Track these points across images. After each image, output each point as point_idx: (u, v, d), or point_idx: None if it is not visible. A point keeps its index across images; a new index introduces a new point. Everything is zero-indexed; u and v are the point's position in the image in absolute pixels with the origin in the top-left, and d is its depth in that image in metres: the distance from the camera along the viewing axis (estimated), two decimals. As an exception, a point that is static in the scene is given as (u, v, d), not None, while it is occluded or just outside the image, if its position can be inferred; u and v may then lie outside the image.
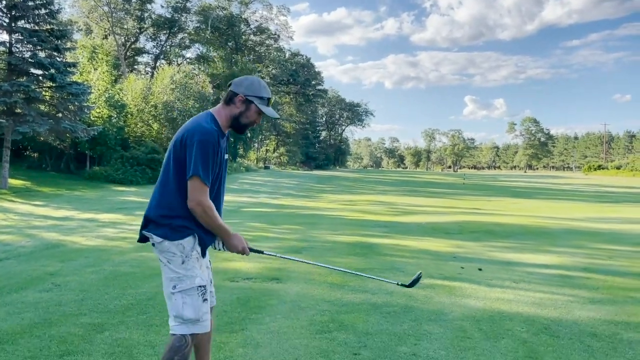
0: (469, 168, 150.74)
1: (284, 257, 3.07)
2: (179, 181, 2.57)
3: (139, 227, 2.69)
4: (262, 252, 2.87)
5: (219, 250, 2.78)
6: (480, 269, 6.83)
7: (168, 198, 2.59)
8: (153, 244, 2.63)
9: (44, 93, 24.37)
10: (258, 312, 4.65)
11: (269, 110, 2.71)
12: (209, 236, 2.67)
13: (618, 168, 74.94)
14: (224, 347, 3.72)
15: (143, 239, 2.70)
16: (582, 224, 13.07)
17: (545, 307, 4.95)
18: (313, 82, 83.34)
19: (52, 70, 23.29)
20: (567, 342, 3.95)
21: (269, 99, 2.72)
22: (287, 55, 75.77)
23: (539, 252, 8.47)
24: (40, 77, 23.84)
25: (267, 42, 65.41)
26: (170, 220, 2.57)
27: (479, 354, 3.64)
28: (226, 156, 2.74)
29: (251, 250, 2.75)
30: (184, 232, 2.57)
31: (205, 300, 2.61)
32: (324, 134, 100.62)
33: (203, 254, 2.70)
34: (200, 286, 2.60)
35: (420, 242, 9.52)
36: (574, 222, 13.55)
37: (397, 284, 3.17)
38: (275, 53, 68.16)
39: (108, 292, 5.39)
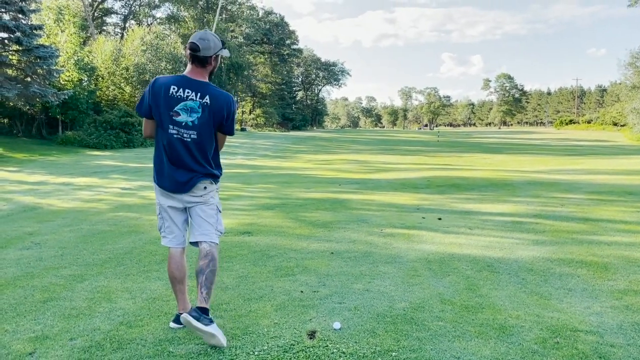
0: (445, 125, 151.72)
1: None
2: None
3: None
4: None
5: None
6: (439, 219, 7.29)
7: None
8: None
9: (10, 57, 23.81)
10: (229, 261, 5.01)
11: (225, 52, 3.26)
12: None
13: (589, 122, 76.39)
14: (194, 290, 4.07)
15: None
16: (544, 176, 13.67)
17: (492, 248, 5.43)
18: (288, 42, 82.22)
19: (18, 33, 22.73)
20: (505, 276, 4.41)
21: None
22: (260, 13, 74.30)
23: (497, 202, 8.97)
24: (6, 41, 23.27)
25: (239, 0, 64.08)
26: None
27: (425, 288, 4.08)
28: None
29: None
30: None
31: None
32: (300, 94, 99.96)
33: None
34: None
35: (388, 197, 9.95)
36: (536, 175, 14.16)
37: None
38: (248, 12, 66.80)
39: (86, 248, 5.70)
